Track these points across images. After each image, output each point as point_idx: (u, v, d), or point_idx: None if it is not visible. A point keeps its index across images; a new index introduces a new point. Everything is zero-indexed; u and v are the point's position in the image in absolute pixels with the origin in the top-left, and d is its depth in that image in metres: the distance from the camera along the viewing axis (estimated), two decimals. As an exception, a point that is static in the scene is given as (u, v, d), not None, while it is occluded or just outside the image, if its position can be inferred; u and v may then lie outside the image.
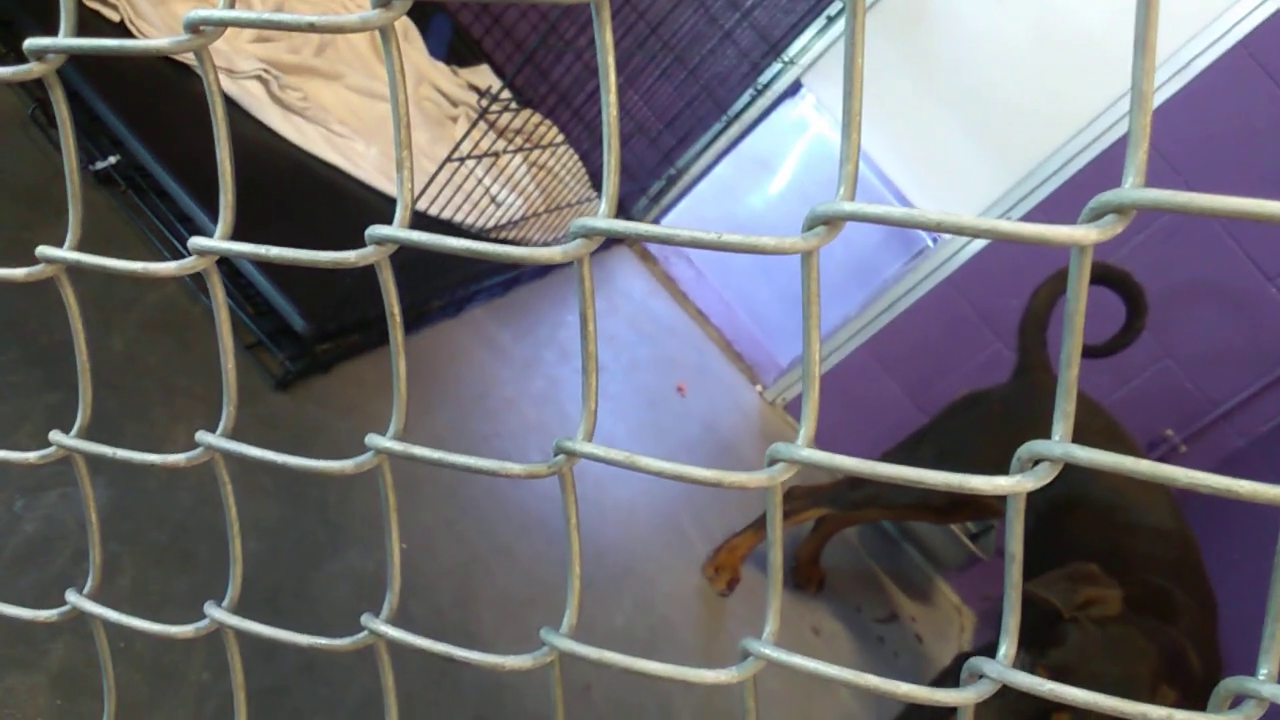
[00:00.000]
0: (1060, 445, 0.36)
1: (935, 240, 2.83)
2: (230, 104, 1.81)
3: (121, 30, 1.72)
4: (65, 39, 0.47)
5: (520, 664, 0.48)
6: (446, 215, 1.79)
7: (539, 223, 2.25)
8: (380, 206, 1.93)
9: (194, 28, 0.43)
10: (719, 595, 2.03)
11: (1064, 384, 0.36)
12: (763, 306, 3.16)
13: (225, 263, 1.55)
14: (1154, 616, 1.35)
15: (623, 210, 3.04)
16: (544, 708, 1.43)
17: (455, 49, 2.83)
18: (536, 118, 2.59)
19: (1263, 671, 0.37)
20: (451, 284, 1.98)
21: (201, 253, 0.48)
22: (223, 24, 0.43)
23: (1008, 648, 0.42)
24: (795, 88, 2.92)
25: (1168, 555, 1.52)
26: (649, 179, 3.04)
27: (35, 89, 1.55)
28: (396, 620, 0.53)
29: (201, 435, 0.52)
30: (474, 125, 1.57)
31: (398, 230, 0.43)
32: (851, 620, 2.36)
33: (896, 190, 2.84)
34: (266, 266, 1.52)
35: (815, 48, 2.85)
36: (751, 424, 2.88)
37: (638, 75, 2.59)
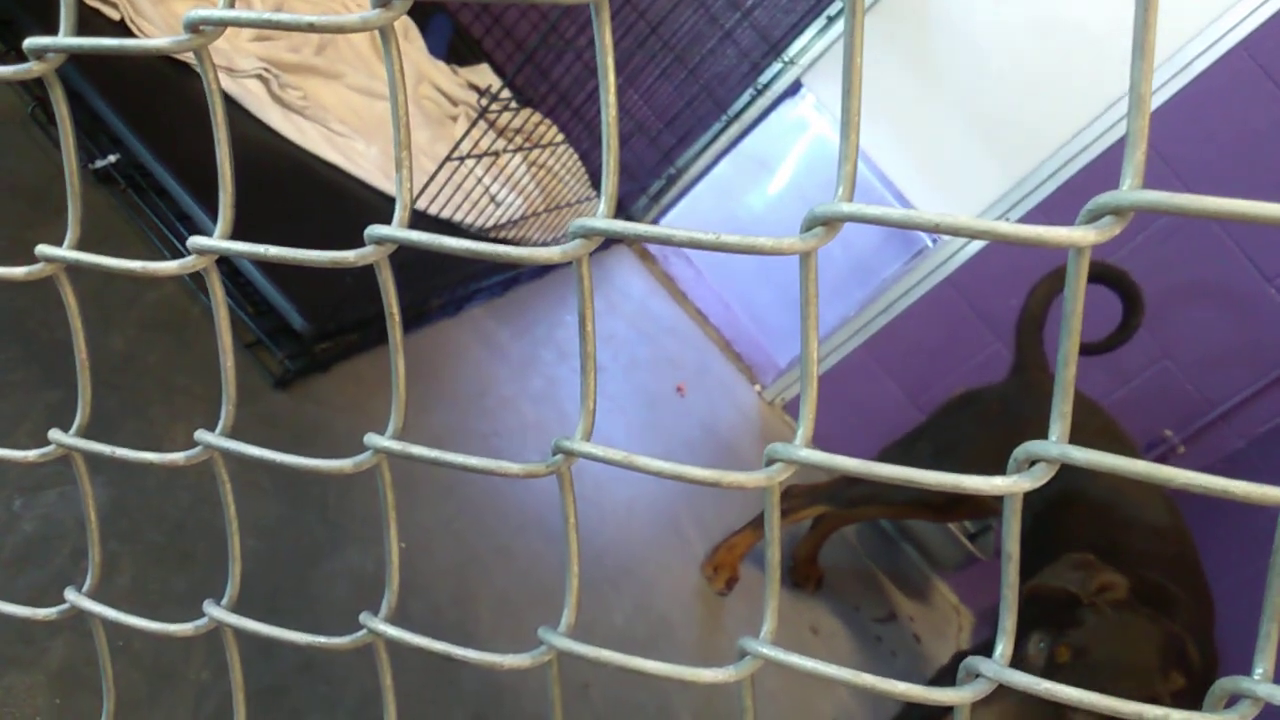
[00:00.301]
0: (1057, 446, 0.36)
1: (934, 241, 2.83)
2: (230, 103, 1.81)
3: (122, 29, 1.72)
4: (65, 38, 0.47)
5: (518, 663, 0.48)
6: (446, 214, 1.79)
7: (539, 222, 2.25)
8: (380, 205, 1.93)
9: (194, 27, 0.43)
10: (718, 594, 2.03)
11: (1061, 384, 0.36)
12: (762, 307, 3.16)
13: (225, 262, 1.55)
14: (1154, 611, 1.37)
15: (622, 209, 3.04)
16: (543, 707, 1.43)
17: (455, 48, 2.83)
18: (536, 117, 2.59)
19: (1258, 671, 0.37)
20: (451, 283, 1.98)
21: (200, 252, 0.49)
22: (222, 24, 0.43)
23: (1004, 647, 0.42)
24: (795, 88, 2.92)
25: (1164, 551, 1.53)
26: (649, 178, 3.04)
27: (35, 88, 1.55)
28: (395, 619, 0.53)
29: (200, 434, 0.53)
30: (474, 124, 1.57)
31: (396, 230, 0.43)
32: (850, 619, 2.36)
33: (896, 190, 2.84)
34: (266, 265, 1.52)
35: (815, 48, 2.85)
36: (750, 424, 2.89)
37: (638, 74, 2.59)
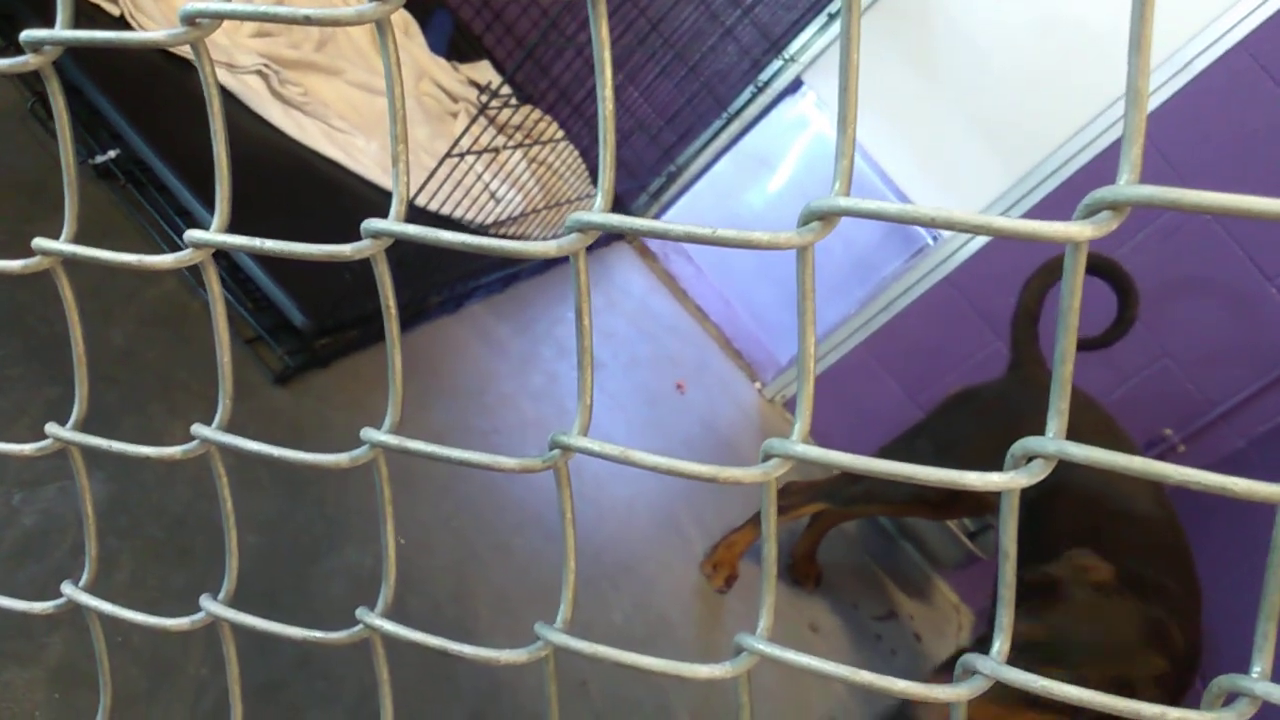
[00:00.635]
0: (1054, 442, 0.36)
1: (935, 238, 2.83)
2: (230, 99, 1.81)
3: (121, 24, 1.72)
4: (61, 31, 0.46)
5: (515, 658, 0.48)
6: (446, 211, 1.79)
7: (538, 219, 2.25)
8: (380, 202, 1.92)
9: (190, 20, 0.43)
10: (717, 592, 2.03)
11: (1058, 380, 0.36)
12: (762, 304, 3.16)
13: (225, 258, 1.55)
14: (1138, 597, 1.38)
15: (622, 207, 3.03)
16: (541, 703, 1.43)
17: (456, 44, 2.83)
18: (536, 114, 2.59)
19: (1256, 669, 0.37)
20: (450, 279, 1.98)
21: (197, 245, 0.48)
22: (218, 17, 0.43)
23: (1002, 643, 0.42)
24: (796, 85, 2.92)
25: (1153, 541, 1.54)
26: (649, 176, 3.04)
27: (35, 82, 1.55)
28: (393, 615, 0.53)
29: (197, 428, 0.53)
30: (474, 121, 1.57)
31: (392, 224, 0.43)
32: (849, 617, 2.36)
33: (895, 187, 2.84)
34: (266, 261, 1.52)
35: (816, 45, 2.85)
36: (750, 421, 2.89)
37: (638, 72, 2.59)
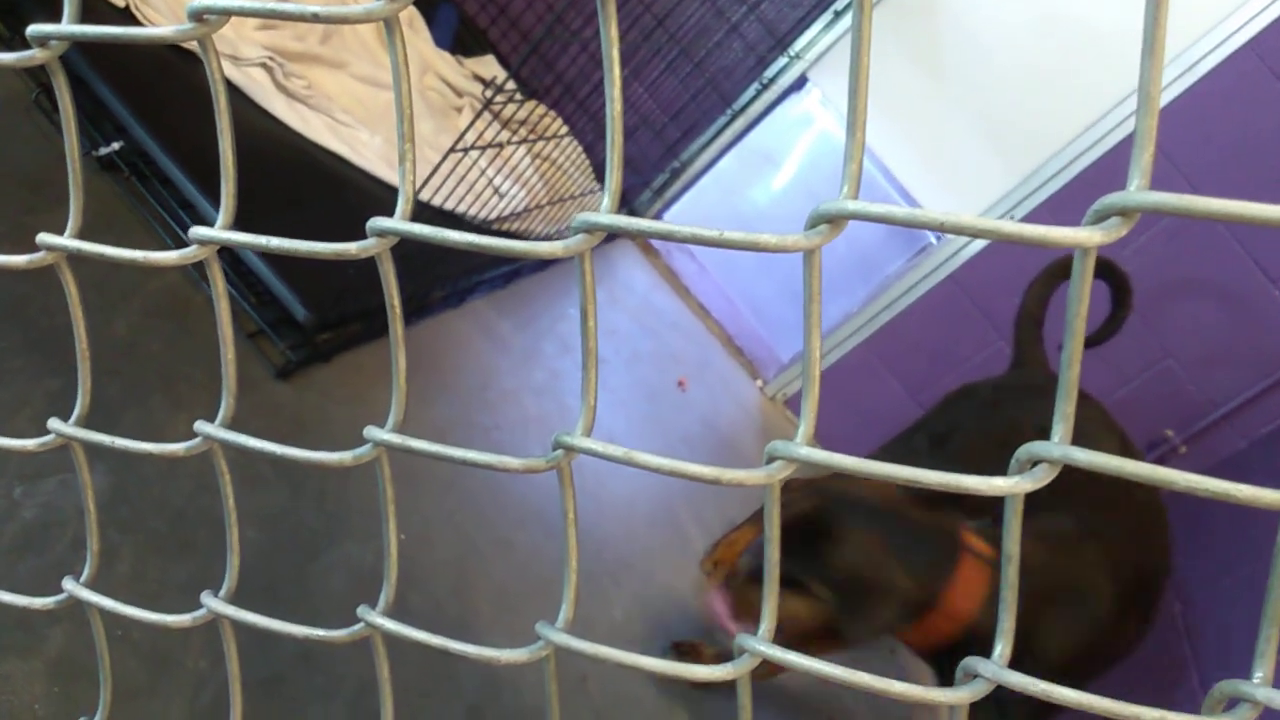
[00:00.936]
0: (1059, 447, 0.36)
1: (938, 238, 2.82)
2: (235, 91, 1.81)
3: (127, 15, 1.71)
4: (68, 25, 0.46)
5: (515, 658, 0.48)
6: (450, 206, 1.78)
7: (542, 214, 2.25)
8: (383, 195, 1.92)
9: (198, 16, 0.43)
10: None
11: (1064, 385, 0.36)
12: (765, 301, 3.16)
13: (227, 251, 1.54)
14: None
15: (626, 203, 3.03)
16: (541, 700, 1.43)
17: (461, 39, 2.83)
18: (541, 109, 2.58)
19: (1257, 675, 0.37)
20: (453, 275, 1.98)
21: (202, 242, 0.48)
22: (226, 13, 0.43)
23: (1003, 647, 0.42)
24: (801, 82, 2.91)
25: (1102, 494, 1.53)
26: (653, 172, 3.04)
27: (39, 73, 1.55)
28: (394, 612, 0.53)
29: (200, 425, 0.52)
30: (478, 116, 1.56)
31: (399, 222, 0.43)
32: (849, 616, 2.36)
33: (900, 187, 2.83)
34: (269, 256, 1.52)
35: (821, 42, 2.84)
36: (752, 419, 2.88)
37: (643, 68, 2.58)
